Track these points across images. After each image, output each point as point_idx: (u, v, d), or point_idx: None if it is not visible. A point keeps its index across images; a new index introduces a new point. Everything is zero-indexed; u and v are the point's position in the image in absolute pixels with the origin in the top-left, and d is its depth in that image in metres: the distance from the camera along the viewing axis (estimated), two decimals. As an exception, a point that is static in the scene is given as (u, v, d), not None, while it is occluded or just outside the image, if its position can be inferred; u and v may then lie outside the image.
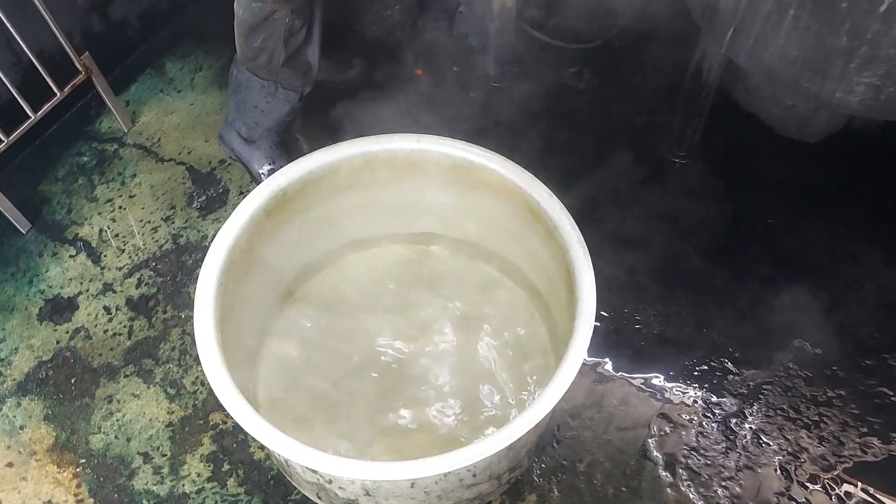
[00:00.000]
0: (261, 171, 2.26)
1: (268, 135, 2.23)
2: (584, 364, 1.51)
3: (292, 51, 2.03)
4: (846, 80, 1.75)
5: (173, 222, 2.26)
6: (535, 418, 1.42)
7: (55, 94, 2.24)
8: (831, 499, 1.77)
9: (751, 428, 1.86)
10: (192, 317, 2.05)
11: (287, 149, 2.30)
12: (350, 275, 2.00)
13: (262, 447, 1.85)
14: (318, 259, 1.98)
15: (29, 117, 2.19)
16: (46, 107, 2.22)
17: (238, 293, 1.69)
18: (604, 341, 2.00)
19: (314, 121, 2.43)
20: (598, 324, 1.91)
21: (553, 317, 1.82)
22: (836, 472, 1.81)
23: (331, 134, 2.29)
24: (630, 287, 2.08)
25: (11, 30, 2.06)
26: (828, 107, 1.94)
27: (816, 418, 1.86)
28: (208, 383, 1.91)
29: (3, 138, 2.13)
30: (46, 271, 2.18)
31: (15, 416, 1.92)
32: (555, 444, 1.85)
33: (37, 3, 2.08)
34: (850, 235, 2.15)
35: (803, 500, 1.77)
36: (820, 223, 2.18)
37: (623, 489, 1.79)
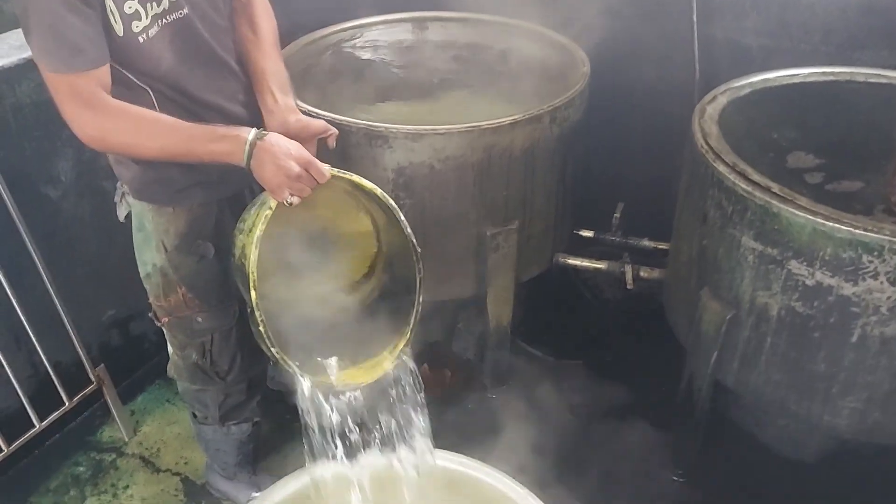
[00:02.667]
0: (249, 502, 2.24)
1: (241, 468, 2.28)
2: None
3: (230, 407, 2.14)
4: (831, 404, 1.82)
5: (160, 539, 2.19)
6: None
7: (64, 404, 2.30)
8: None
9: None
10: None
11: (271, 472, 2.32)
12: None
13: None
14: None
15: (34, 426, 2.23)
16: (53, 416, 2.27)
17: None
18: None
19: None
20: None
21: None
22: None
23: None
24: None
25: (36, 343, 2.19)
26: (817, 430, 1.98)
27: None
28: None
29: (3, 447, 2.14)
30: (17, 593, 2.05)
31: None
32: None
33: (65, 320, 2.23)
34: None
35: None
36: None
37: None
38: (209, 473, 2.34)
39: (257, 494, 2.20)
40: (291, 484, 1.76)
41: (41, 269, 2.15)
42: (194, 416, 2.15)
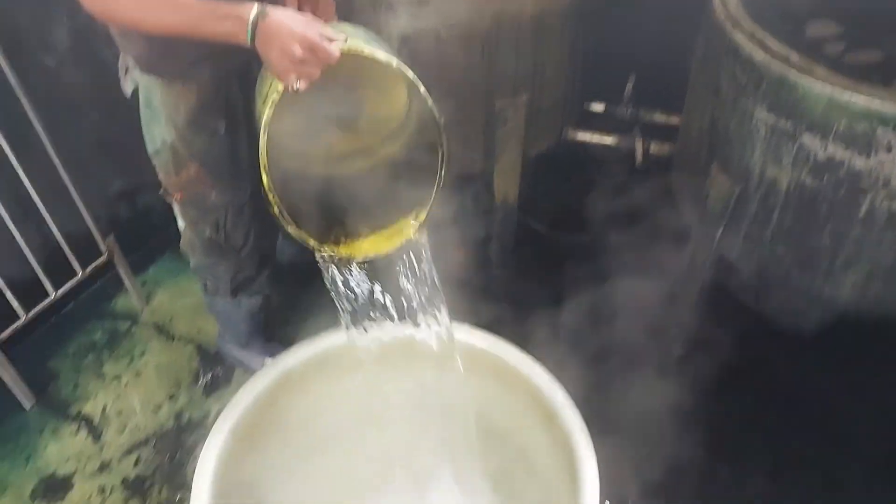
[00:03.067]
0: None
1: (254, 337, 2.32)
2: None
3: (238, 281, 2.16)
4: (833, 277, 1.84)
5: (177, 400, 2.28)
6: None
7: (77, 274, 2.34)
8: None
9: None
10: (187, 499, 2.03)
11: (283, 340, 2.36)
12: (353, 458, 1.98)
13: None
14: (321, 438, 1.97)
15: (49, 295, 2.28)
16: (67, 285, 2.32)
17: (238, 477, 1.68)
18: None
19: (315, 306, 2.50)
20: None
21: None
22: None
23: (332, 318, 2.36)
24: (632, 480, 2.04)
25: (45, 214, 2.20)
26: (818, 303, 2.01)
27: None
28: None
29: (21, 315, 2.20)
30: (45, 449, 2.16)
31: None
32: None
33: (72, 191, 2.24)
34: (852, 431, 2.14)
35: None
36: (820, 417, 2.18)
37: None
38: (222, 342, 2.41)
39: (270, 361, 2.28)
40: (305, 350, 1.81)
41: (44, 139, 2.14)
42: (205, 287, 2.19)
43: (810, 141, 1.71)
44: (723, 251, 2.06)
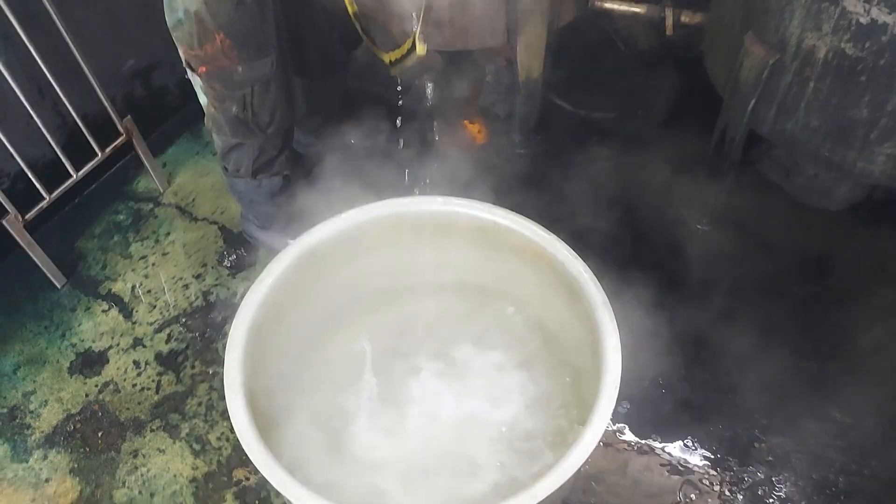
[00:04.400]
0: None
1: (275, 219, 2.32)
2: (608, 429, 1.51)
3: (260, 161, 2.13)
4: (867, 150, 1.79)
5: (204, 280, 2.31)
6: (558, 481, 1.41)
7: (96, 155, 2.33)
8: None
9: (779, 497, 1.83)
10: (219, 372, 2.09)
11: (304, 223, 2.35)
12: (375, 330, 2.02)
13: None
14: (345, 313, 2.01)
15: (71, 176, 2.28)
16: (88, 166, 2.31)
17: (266, 350, 1.72)
18: (628, 407, 1.99)
19: (339, 186, 2.50)
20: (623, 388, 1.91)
21: (580, 381, 1.82)
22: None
23: (355, 199, 2.35)
24: (654, 352, 2.07)
25: (60, 94, 2.17)
26: (850, 176, 1.97)
27: (847, 489, 1.83)
28: (234, 439, 1.95)
29: (45, 196, 2.21)
30: (79, 325, 2.22)
31: (41, 469, 1.93)
32: (579, 510, 1.83)
33: (85, 70, 2.19)
34: (875, 306, 2.14)
35: (835, 574, 1.72)
36: (844, 292, 2.18)
37: (649, 558, 1.76)
38: (244, 223, 2.41)
39: (292, 242, 2.30)
40: (327, 228, 1.81)
41: (54, 15, 2.07)
42: (226, 170, 2.18)
43: (853, 5, 1.62)
44: (754, 125, 2.00)
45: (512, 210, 1.81)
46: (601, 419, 1.48)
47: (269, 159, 2.15)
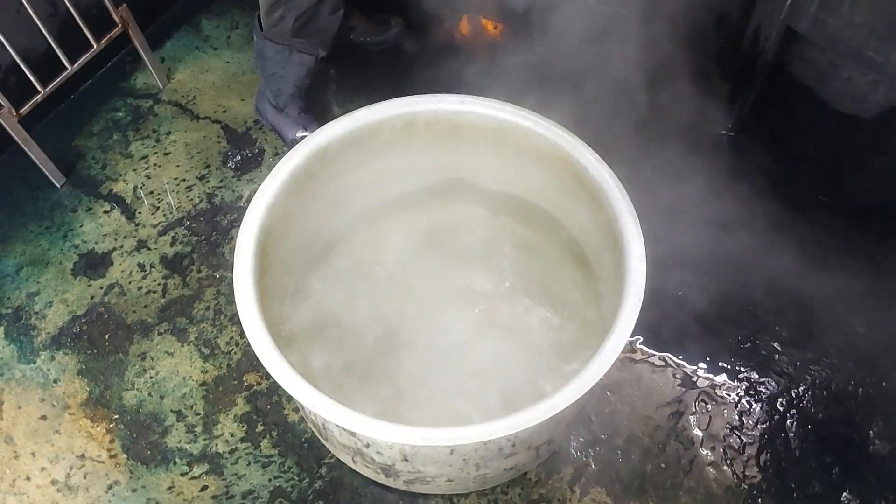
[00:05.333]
0: (293, 139, 2.22)
1: (293, 101, 2.20)
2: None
3: (304, 19, 1.98)
4: (916, 50, 1.67)
5: (208, 181, 2.23)
6: (579, 391, 1.37)
7: (91, 47, 2.21)
8: (877, 484, 1.72)
9: (799, 408, 1.81)
10: (226, 277, 2.05)
11: (317, 115, 2.25)
12: (386, 238, 1.96)
13: (296, 409, 1.83)
14: (355, 220, 1.94)
15: (66, 69, 2.16)
16: (83, 58, 2.19)
17: (275, 254, 1.66)
18: (647, 316, 1.95)
19: (350, 84, 2.38)
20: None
21: (599, 288, 1.77)
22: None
23: (366, 98, 2.25)
24: (674, 261, 2.02)
25: (49, -21, 2.03)
26: (890, 78, 1.86)
27: (864, 400, 1.81)
28: (243, 344, 1.92)
29: (40, 89, 2.10)
30: (81, 226, 2.16)
31: (49, 370, 1.91)
32: (592, 418, 1.81)
33: (76, -49, 2.04)
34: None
35: (847, 484, 1.72)
36: (871, 204, 2.11)
37: (662, 466, 1.75)
38: (259, 100, 2.29)
39: (304, 134, 2.20)
40: (340, 126, 1.72)
41: None
42: (260, 26, 2.05)
43: None
44: (791, 21, 1.88)
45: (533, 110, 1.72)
46: (624, 329, 1.43)
47: (311, 20, 2.01)
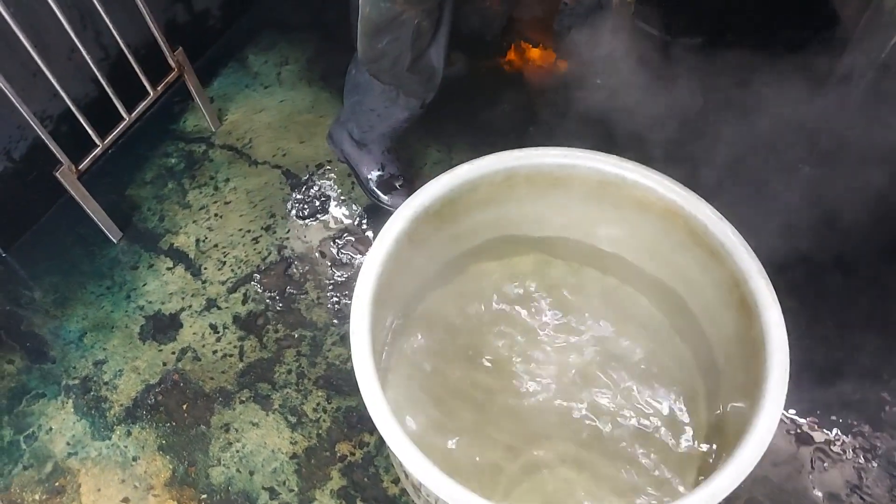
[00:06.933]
0: (369, 177, 2.11)
1: (381, 140, 2.07)
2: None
3: (417, 54, 1.87)
4: None
5: (275, 232, 2.12)
6: (738, 477, 1.29)
7: (147, 93, 2.09)
8: None
9: (916, 463, 1.75)
10: (305, 336, 1.94)
11: (397, 155, 2.14)
12: (475, 291, 1.86)
13: (396, 481, 1.72)
14: (444, 274, 1.85)
15: (121, 117, 2.04)
16: (141, 106, 2.07)
17: (377, 318, 1.56)
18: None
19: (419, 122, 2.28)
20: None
21: (712, 357, 1.68)
22: None
23: (439, 136, 2.15)
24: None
25: (107, 20, 1.89)
26: None
27: None
28: (331, 410, 1.81)
29: (98, 142, 1.98)
30: (144, 285, 2.04)
31: (126, 447, 1.79)
32: (707, 481, 1.73)
33: (136, -4, 1.92)
34: None
35: (977, 543, 1.66)
36: None
37: (786, 530, 1.68)
38: (337, 129, 2.13)
39: (381, 173, 2.05)
40: (437, 186, 1.62)
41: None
42: (362, 62, 1.86)
43: None
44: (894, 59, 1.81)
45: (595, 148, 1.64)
46: (775, 408, 1.35)
47: (423, 51, 1.86)
